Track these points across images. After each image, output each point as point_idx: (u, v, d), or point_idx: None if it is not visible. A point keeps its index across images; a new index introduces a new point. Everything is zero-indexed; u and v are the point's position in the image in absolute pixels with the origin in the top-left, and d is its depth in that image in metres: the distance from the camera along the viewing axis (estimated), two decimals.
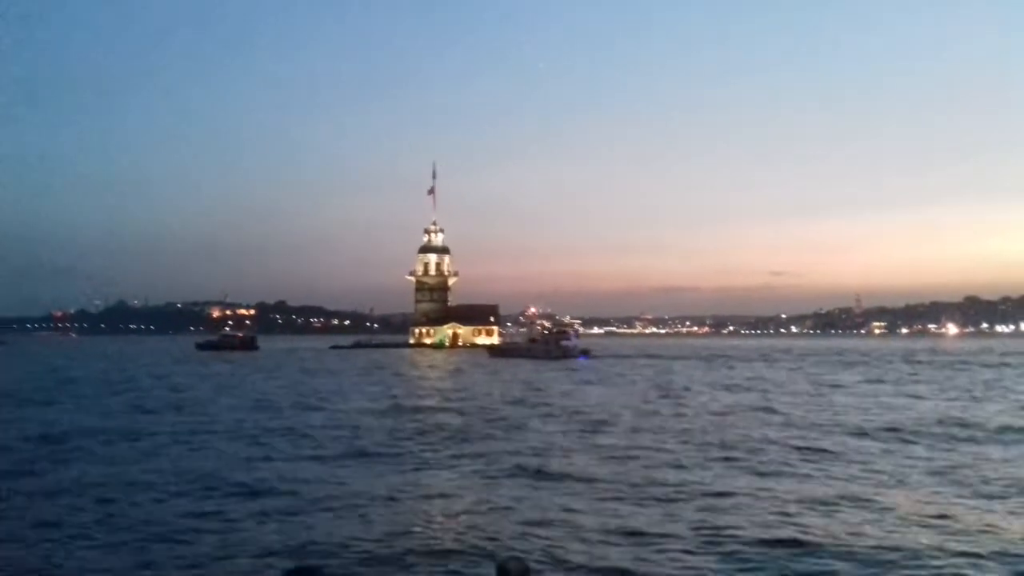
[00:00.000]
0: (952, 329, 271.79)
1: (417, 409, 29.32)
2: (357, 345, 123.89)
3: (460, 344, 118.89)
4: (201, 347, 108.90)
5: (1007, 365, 60.70)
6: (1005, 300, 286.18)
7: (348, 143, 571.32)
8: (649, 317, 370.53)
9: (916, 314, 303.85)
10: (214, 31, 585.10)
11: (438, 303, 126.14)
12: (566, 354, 77.49)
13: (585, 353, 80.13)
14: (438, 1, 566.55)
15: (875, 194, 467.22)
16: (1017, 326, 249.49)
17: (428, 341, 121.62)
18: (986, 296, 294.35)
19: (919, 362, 67.68)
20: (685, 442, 20.05)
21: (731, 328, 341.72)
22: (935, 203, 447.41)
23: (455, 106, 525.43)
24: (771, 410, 28.16)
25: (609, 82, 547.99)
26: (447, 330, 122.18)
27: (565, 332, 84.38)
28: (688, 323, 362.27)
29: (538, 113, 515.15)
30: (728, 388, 39.53)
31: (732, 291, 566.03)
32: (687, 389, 38.49)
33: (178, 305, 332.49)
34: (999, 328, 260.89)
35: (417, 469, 16.63)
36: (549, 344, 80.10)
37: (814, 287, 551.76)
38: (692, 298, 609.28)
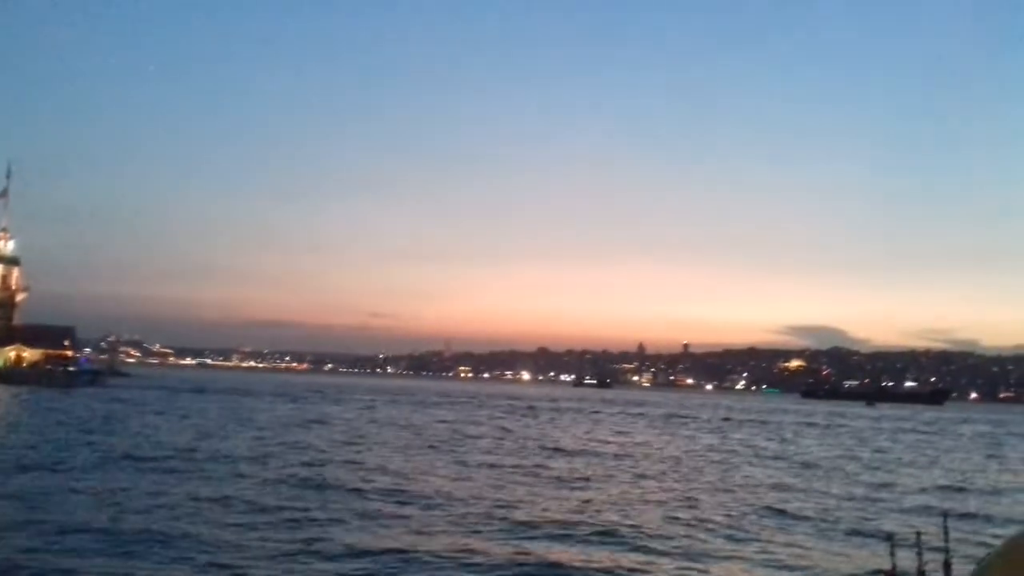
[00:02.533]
0: (526, 376, 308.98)
1: None
2: None
3: None
4: None
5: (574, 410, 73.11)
6: (568, 352, 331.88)
7: None
8: (247, 350, 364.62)
9: (498, 360, 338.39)
10: None
11: (1, 321, 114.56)
12: (71, 382, 75.01)
13: (96, 381, 77.46)
14: None
15: (465, 247, 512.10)
16: (578, 375, 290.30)
17: None
18: (554, 348, 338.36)
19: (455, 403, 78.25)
20: None
21: (331, 365, 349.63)
22: (513, 261, 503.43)
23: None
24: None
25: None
26: (9, 352, 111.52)
27: (66, 357, 79.79)
28: (288, 358, 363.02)
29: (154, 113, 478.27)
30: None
31: (333, 329, 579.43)
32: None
33: None
34: (563, 377, 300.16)
35: None
36: (54, 370, 76.54)
37: (409, 330, 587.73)
38: (294, 334, 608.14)
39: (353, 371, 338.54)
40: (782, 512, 19.00)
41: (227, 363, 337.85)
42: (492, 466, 25.67)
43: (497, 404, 79.57)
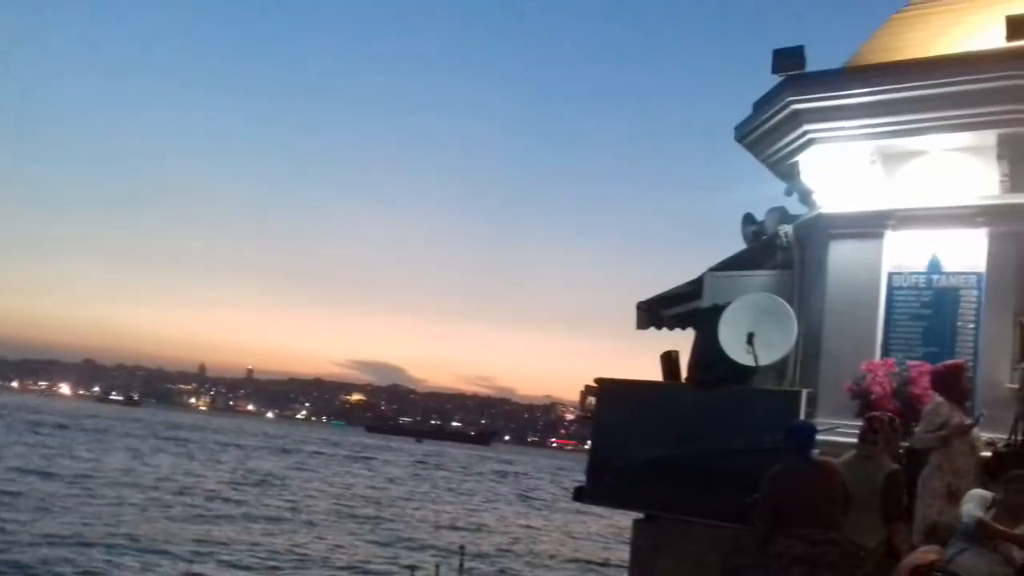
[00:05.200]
0: (65, 389, 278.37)
1: None
2: None
3: None
4: None
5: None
6: (119, 367, 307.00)
7: None
8: None
9: (30, 369, 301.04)
10: None
11: None
12: None
13: None
14: None
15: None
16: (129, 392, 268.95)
17: None
18: (102, 361, 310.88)
19: None
20: None
21: None
22: (60, 258, 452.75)
23: None
24: None
25: None
26: None
27: None
28: None
29: None
30: None
31: None
32: None
33: None
34: (113, 395, 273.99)
35: None
36: None
37: None
38: None
39: None
40: None
41: None
42: None
43: None
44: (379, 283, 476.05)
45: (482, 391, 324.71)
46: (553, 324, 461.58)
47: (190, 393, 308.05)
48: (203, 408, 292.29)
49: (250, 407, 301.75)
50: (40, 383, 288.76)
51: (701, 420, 8.12)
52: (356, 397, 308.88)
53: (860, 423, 6.63)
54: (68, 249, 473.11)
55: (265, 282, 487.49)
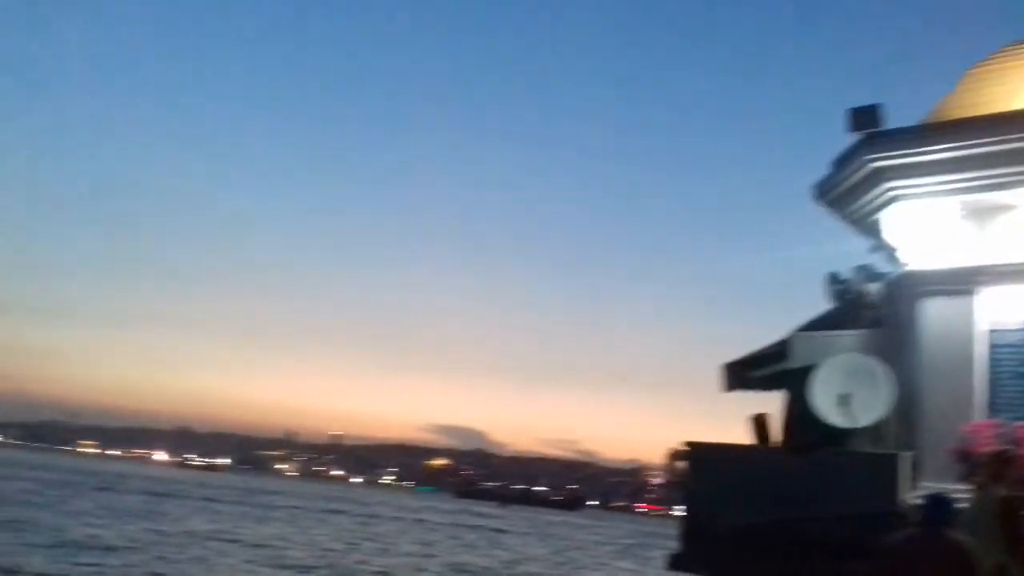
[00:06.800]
0: (162, 456, 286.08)
1: None
2: None
3: None
4: None
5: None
6: (213, 434, 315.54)
7: None
8: None
9: (128, 436, 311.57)
10: None
11: None
12: None
13: None
14: None
15: (102, 308, 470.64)
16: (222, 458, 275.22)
17: None
18: (196, 428, 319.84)
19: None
20: None
21: None
22: (153, 327, 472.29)
23: None
24: None
25: None
26: None
27: None
28: None
29: None
30: None
31: None
32: None
33: None
34: (195, 461, 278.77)
35: None
36: None
37: (23, 394, 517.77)
38: None
39: None
40: None
41: None
42: None
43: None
44: (459, 348, 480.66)
45: (565, 454, 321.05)
46: (636, 386, 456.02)
47: (280, 459, 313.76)
48: (293, 473, 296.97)
49: (337, 472, 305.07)
50: (137, 451, 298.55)
51: (798, 485, 7.92)
52: (440, 461, 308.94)
53: (964, 487, 6.43)
54: (166, 322, 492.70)
55: (349, 350, 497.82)
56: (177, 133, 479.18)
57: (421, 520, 71.13)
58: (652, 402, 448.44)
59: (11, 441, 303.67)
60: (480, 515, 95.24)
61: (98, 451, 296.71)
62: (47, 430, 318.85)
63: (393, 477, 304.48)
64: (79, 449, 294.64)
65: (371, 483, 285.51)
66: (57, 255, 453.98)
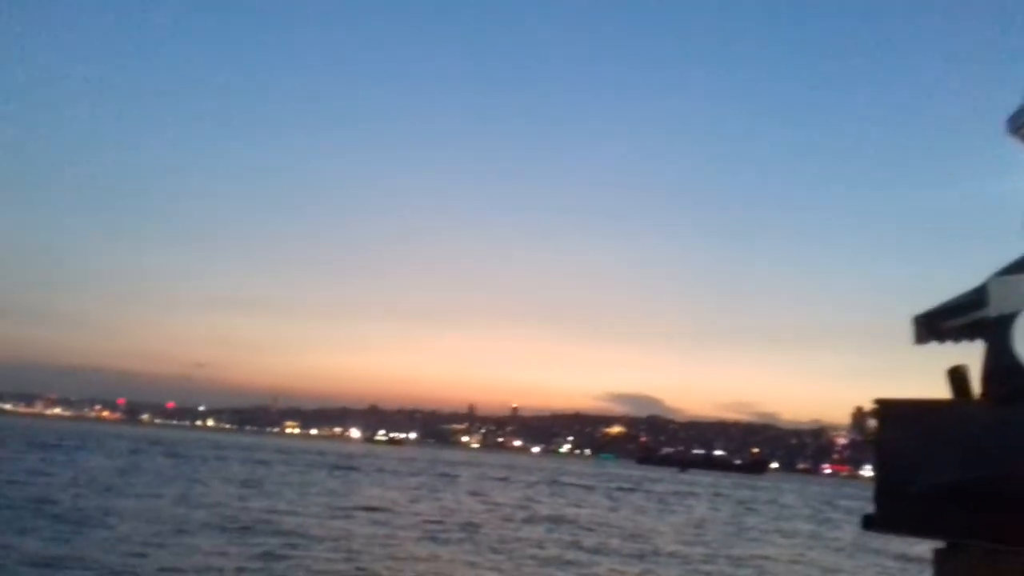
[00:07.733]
0: (356, 433, 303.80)
1: None
2: None
3: None
4: None
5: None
6: (399, 411, 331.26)
7: None
8: (54, 396, 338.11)
9: (326, 416, 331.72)
10: None
11: None
12: None
13: None
14: None
15: (296, 300, 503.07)
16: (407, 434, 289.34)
17: None
18: (384, 406, 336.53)
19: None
20: None
21: (147, 416, 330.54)
22: (344, 316, 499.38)
23: None
24: None
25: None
26: None
27: None
28: (98, 406, 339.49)
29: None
30: None
31: (153, 377, 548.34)
32: None
33: None
34: (400, 435, 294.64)
35: None
36: None
37: (234, 381, 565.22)
38: (108, 380, 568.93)
39: (171, 423, 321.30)
40: None
41: (30, 409, 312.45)
42: None
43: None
44: (629, 315, 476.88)
45: (744, 418, 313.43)
46: (814, 343, 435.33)
47: (462, 432, 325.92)
48: (475, 445, 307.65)
49: (516, 443, 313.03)
50: (335, 429, 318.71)
51: (1001, 440, 7.41)
52: (616, 429, 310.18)
53: None
54: (358, 309, 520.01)
55: (523, 323, 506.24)
56: (333, 117, 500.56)
57: (631, 489, 71.25)
58: (832, 359, 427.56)
59: (223, 426, 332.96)
60: (661, 481, 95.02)
61: (301, 431, 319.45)
62: (255, 414, 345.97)
63: (569, 446, 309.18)
64: (286, 431, 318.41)
65: (549, 452, 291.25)
66: (272, 253, 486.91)
